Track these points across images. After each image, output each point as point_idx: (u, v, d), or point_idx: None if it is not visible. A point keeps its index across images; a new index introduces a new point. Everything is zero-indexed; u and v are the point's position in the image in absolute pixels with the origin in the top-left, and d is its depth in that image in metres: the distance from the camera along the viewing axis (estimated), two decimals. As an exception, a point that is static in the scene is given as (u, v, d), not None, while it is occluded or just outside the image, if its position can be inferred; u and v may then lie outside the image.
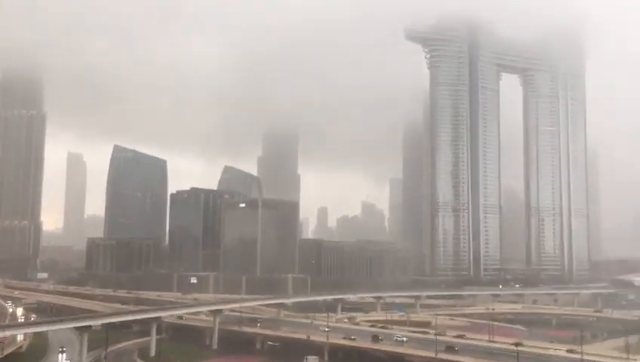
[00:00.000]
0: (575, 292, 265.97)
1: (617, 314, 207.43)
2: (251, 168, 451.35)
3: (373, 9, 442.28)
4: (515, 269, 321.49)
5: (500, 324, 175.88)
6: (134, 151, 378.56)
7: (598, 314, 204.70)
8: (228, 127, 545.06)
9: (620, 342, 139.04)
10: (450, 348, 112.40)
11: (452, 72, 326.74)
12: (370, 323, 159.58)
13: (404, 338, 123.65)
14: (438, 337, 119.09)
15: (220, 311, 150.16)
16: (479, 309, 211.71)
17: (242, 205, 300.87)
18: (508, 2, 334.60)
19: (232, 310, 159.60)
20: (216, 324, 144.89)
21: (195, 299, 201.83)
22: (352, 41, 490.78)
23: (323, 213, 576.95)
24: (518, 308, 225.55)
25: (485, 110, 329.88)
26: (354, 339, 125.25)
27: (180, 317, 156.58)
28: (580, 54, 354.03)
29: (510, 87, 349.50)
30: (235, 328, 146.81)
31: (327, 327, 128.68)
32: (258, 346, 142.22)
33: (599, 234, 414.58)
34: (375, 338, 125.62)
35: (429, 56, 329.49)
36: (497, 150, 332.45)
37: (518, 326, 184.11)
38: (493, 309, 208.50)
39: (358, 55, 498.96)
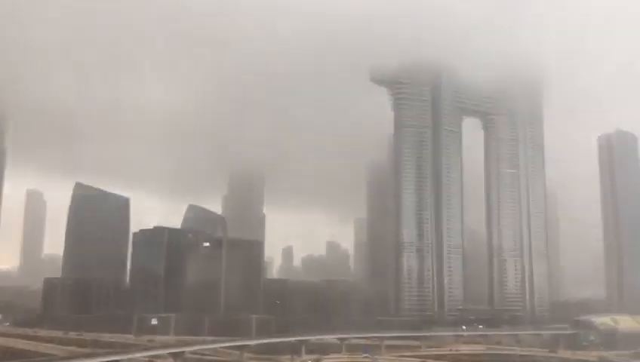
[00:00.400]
0: (537, 332, 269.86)
1: (579, 354, 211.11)
2: (216, 207, 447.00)
3: (338, 51, 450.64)
4: (478, 310, 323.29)
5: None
6: (96, 189, 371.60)
7: (553, 355, 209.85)
8: (193, 165, 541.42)
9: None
10: None
11: (416, 114, 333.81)
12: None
13: None
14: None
15: (181, 353, 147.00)
16: (444, 350, 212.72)
17: (206, 244, 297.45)
18: (470, 48, 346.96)
19: (193, 352, 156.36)
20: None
21: (150, 341, 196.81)
22: (317, 83, 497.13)
23: (288, 253, 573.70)
24: (482, 348, 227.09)
25: (448, 152, 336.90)
26: None
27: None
28: (538, 100, 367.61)
29: (472, 130, 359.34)
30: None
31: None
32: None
33: (559, 275, 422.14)
34: None
35: (393, 98, 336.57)
36: (460, 191, 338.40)
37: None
38: (458, 350, 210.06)
39: (324, 96, 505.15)
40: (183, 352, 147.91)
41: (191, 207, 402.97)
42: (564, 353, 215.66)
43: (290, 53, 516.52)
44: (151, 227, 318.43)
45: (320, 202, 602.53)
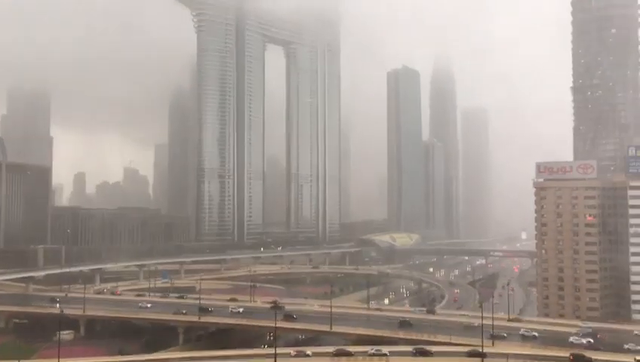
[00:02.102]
0: (327, 251, 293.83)
1: (361, 269, 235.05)
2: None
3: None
4: (276, 233, 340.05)
5: (261, 285, 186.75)
6: None
7: (315, 270, 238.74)
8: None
9: (363, 293, 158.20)
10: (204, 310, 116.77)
11: (220, 38, 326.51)
12: (135, 293, 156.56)
13: (241, 309, 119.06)
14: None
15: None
16: (241, 272, 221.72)
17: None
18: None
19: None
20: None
21: None
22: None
23: (80, 179, 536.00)
24: (276, 268, 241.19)
25: (251, 79, 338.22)
26: (185, 313, 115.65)
27: None
28: (336, 33, 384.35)
29: (275, 58, 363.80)
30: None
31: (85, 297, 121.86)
32: (2, 325, 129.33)
33: (349, 198, 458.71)
34: (204, 310, 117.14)
35: (197, 20, 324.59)
36: (262, 118, 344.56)
37: (277, 286, 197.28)
38: (255, 271, 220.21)
39: (122, 12, 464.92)
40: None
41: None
42: (324, 268, 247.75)
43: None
44: None
45: (117, 126, 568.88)
